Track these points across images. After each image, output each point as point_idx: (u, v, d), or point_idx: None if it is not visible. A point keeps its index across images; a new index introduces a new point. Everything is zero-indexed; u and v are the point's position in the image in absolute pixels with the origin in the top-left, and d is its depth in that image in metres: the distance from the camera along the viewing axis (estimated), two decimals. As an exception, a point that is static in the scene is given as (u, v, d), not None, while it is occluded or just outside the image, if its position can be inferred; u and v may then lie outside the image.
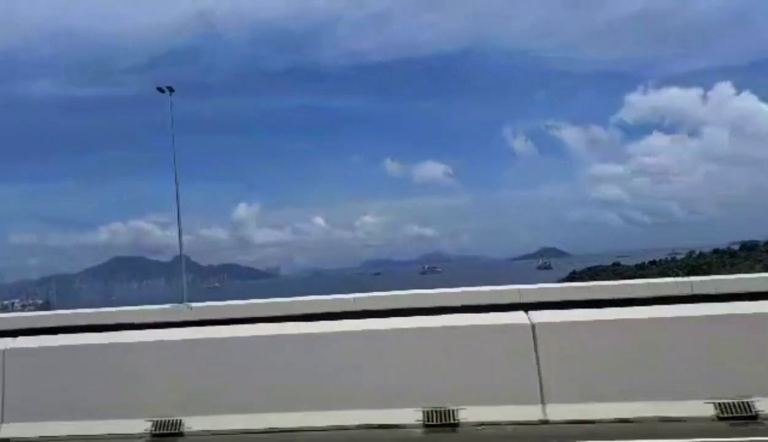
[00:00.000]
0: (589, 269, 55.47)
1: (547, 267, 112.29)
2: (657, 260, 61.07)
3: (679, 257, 62.01)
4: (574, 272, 55.52)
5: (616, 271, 46.54)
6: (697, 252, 61.25)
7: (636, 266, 57.42)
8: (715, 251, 60.29)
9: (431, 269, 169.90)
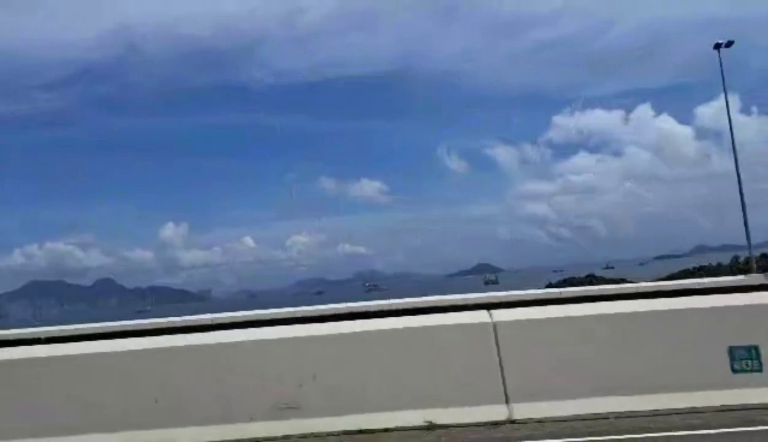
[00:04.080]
0: (565, 280, 55.15)
1: (494, 282, 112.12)
2: (702, 265, 59.48)
3: (723, 263, 61.32)
4: (549, 284, 54.80)
5: (593, 283, 45.70)
6: (743, 257, 60.51)
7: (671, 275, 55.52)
8: (764, 255, 59.30)
9: (374, 287, 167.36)
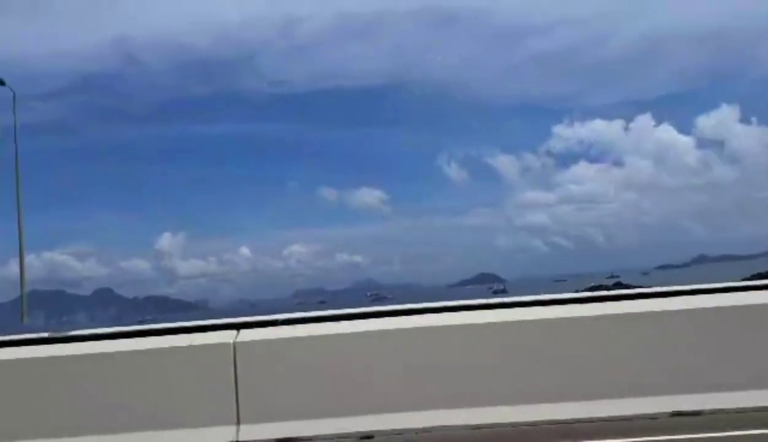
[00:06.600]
0: (590, 288, 53.90)
1: (503, 291, 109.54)
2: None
3: None
4: (577, 291, 53.50)
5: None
6: None
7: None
8: None
9: (379, 296, 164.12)
